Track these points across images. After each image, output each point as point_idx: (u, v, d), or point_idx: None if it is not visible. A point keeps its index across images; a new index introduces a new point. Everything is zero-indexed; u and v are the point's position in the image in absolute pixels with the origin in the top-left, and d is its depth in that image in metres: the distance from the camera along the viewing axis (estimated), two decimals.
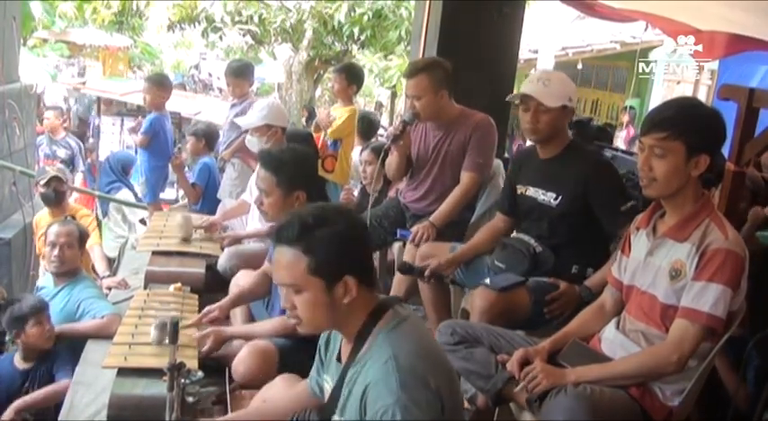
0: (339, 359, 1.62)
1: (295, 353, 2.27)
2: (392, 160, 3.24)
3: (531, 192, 2.58)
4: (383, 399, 1.39)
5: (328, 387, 1.67)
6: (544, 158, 2.57)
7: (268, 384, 2.04)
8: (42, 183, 4.29)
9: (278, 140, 3.52)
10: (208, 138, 4.76)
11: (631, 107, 9.54)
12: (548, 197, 2.51)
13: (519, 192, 2.64)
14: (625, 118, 9.49)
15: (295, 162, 2.50)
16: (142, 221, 5.31)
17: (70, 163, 6.86)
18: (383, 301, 1.58)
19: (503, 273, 2.50)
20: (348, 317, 1.54)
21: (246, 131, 3.73)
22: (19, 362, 3.03)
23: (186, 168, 4.82)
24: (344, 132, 4.21)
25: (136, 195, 5.57)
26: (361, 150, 4.02)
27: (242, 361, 2.31)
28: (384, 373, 1.42)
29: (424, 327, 1.66)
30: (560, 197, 2.48)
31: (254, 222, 3.58)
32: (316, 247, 1.48)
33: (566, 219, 2.47)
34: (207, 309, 2.69)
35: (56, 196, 4.31)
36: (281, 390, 1.96)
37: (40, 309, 3.01)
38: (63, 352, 3.05)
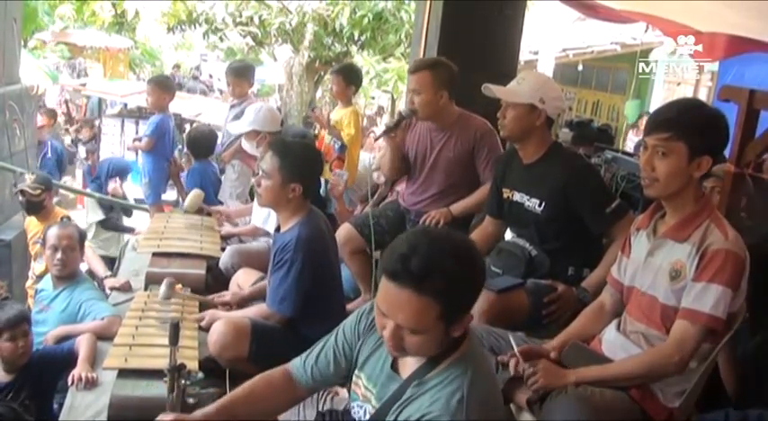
0: (394, 368, 1.54)
1: (269, 333, 2.48)
2: (385, 156, 3.26)
3: (518, 196, 2.58)
4: None
5: (362, 383, 1.60)
6: (526, 163, 2.57)
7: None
8: (15, 192, 4.42)
9: (269, 144, 3.55)
10: (194, 147, 4.77)
11: (647, 112, 9.49)
12: (532, 203, 2.52)
13: (505, 195, 2.65)
14: (643, 123, 9.42)
15: (302, 154, 2.59)
16: (102, 222, 5.37)
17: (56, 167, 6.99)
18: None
19: (500, 277, 2.50)
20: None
21: None
22: (1, 375, 2.95)
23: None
24: (355, 135, 4.22)
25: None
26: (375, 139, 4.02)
27: (215, 329, 2.45)
28: (454, 413, 1.36)
29: (490, 362, 1.60)
30: (544, 203, 2.48)
31: (258, 222, 3.62)
32: (452, 295, 1.35)
33: (553, 224, 2.48)
34: (222, 293, 2.93)
35: (27, 205, 4.41)
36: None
37: (16, 324, 2.88)
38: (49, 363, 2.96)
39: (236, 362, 2.43)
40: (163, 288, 2.71)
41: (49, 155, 7.26)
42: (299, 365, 1.72)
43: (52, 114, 9.12)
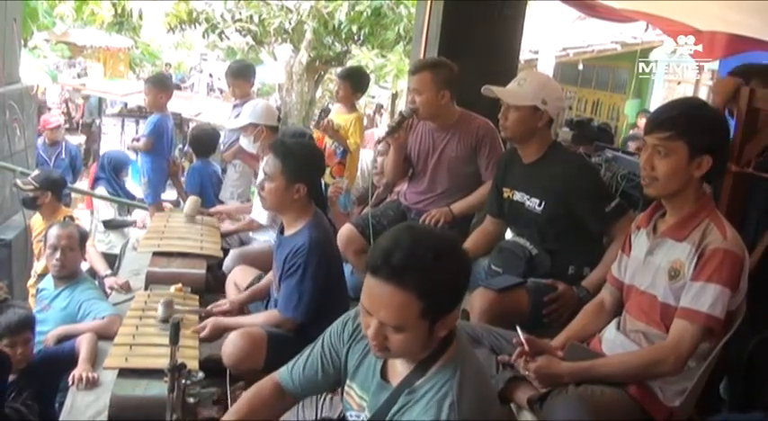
0: (384, 377, 1.52)
1: (284, 342, 2.36)
2: (388, 157, 3.25)
3: (518, 196, 2.59)
4: None
5: (354, 394, 1.59)
6: (526, 163, 2.57)
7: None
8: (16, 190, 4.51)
9: (266, 138, 3.57)
10: (197, 145, 4.79)
11: (646, 110, 9.47)
12: (532, 203, 2.52)
13: (506, 195, 2.65)
14: (642, 122, 9.41)
15: (303, 155, 2.55)
16: (106, 223, 5.35)
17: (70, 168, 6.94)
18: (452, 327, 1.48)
19: (500, 276, 2.50)
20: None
21: None
22: None
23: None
24: (358, 140, 4.22)
25: (112, 192, 5.63)
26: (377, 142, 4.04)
27: (231, 341, 2.38)
28: (448, 418, 1.35)
29: (479, 361, 1.59)
30: (544, 203, 2.48)
31: (253, 214, 3.63)
32: (433, 292, 1.34)
33: (553, 223, 2.48)
34: (220, 301, 2.84)
35: (22, 200, 4.52)
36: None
37: (17, 331, 2.84)
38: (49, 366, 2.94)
39: (250, 374, 2.35)
40: (161, 308, 2.63)
41: (63, 156, 7.14)
42: (286, 376, 1.70)
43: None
